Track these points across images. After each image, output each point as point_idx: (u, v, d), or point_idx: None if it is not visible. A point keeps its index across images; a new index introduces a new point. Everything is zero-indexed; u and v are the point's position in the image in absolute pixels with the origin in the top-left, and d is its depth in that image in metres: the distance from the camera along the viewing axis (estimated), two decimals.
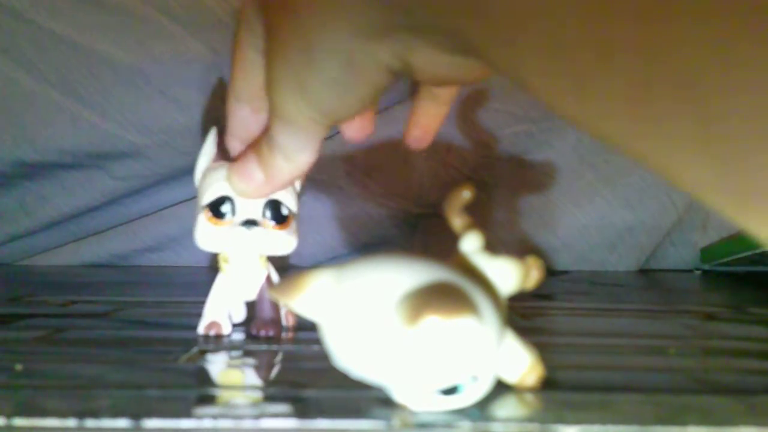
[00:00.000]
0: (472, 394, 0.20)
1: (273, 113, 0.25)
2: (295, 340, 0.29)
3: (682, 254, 0.58)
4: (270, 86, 0.24)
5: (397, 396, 0.20)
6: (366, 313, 0.19)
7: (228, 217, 0.28)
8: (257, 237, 0.28)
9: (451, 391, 0.20)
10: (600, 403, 0.21)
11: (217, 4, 0.49)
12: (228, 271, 0.30)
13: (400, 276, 0.19)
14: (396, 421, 0.19)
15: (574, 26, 0.15)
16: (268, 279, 0.30)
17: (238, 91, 0.29)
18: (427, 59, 0.22)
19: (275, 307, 0.30)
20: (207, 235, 0.28)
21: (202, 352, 0.27)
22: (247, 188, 0.28)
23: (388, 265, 0.20)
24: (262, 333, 0.29)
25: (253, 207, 0.28)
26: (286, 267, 0.54)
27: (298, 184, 0.31)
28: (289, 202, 0.29)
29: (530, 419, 0.19)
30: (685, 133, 0.14)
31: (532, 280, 0.23)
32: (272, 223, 0.29)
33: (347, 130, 0.30)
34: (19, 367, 0.24)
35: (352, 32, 0.22)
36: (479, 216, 0.23)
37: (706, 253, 0.57)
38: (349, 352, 0.20)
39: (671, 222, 0.56)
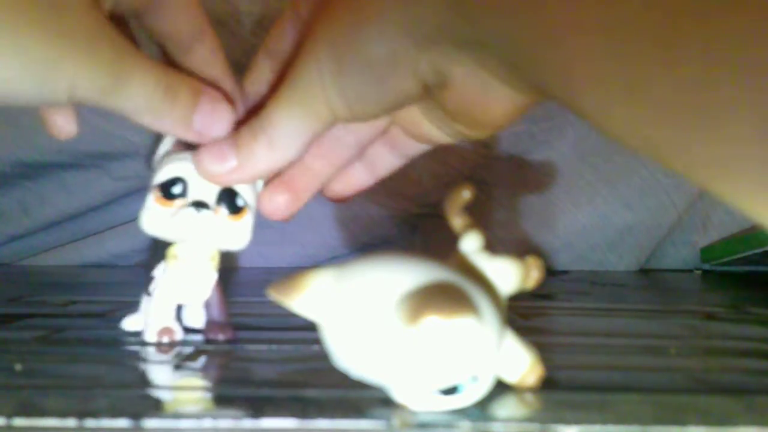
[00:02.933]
0: (472, 394, 0.20)
1: (287, 87, 0.24)
2: (295, 341, 0.29)
3: (682, 254, 0.58)
4: (303, 52, 0.23)
5: (397, 396, 0.20)
6: (366, 313, 0.19)
7: (178, 199, 0.27)
8: (206, 222, 0.27)
9: (451, 391, 0.20)
10: (600, 403, 0.21)
11: (217, 5, 0.49)
12: (176, 269, 0.28)
13: (400, 276, 0.19)
14: (396, 421, 0.19)
15: (632, 20, 0.14)
16: (219, 282, 0.29)
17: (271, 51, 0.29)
18: (467, 74, 0.22)
19: (226, 310, 0.29)
20: (153, 216, 0.27)
21: (201, 352, 0.27)
22: (215, 170, 0.26)
23: (388, 265, 0.20)
24: (221, 336, 0.28)
25: (206, 192, 0.27)
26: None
27: (260, 185, 0.29)
28: (247, 195, 0.28)
29: (530, 419, 0.19)
30: (745, 131, 0.13)
31: (532, 280, 0.23)
32: (225, 212, 0.27)
33: (266, 202, 0.28)
34: (19, 367, 0.24)
35: (403, 30, 0.21)
36: (479, 216, 0.23)
37: (706, 253, 0.57)
38: (349, 352, 0.20)
39: (671, 222, 0.56)
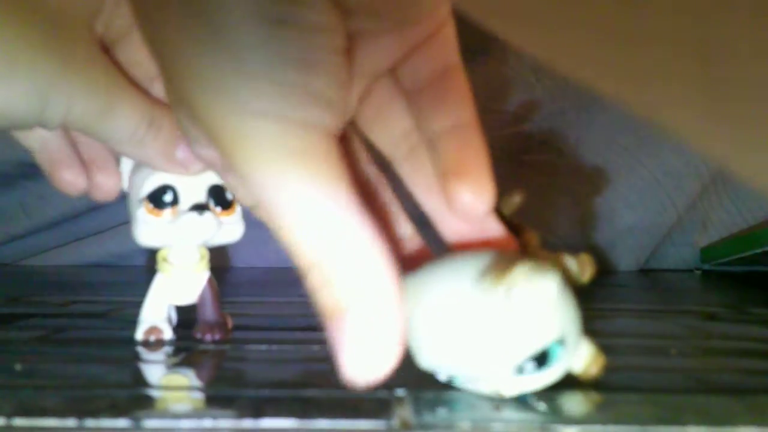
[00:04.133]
0: (561, 362, 0.20)
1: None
2: (295, 341, 0.29)
3: (682, 254, 0.58)
4: None
5: (492, 383, 0.20)
6: (445, 302, 0.19)
7: (170, 207, 0.27)
8: (208, 224, 0.27)
9: (542, 360, 0.20)
10: (600, 403, 0.21)
11: None
12: (168, 270, 0.28)
13: (469, 261, 0.20)
14: (396, 421, 0.19)
15: None
16: (210, 281, 0.29)
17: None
18: None
19: (219, 309, 0.29)
20: (149, 228, 0.27)
21: (202, 352, 0.27)
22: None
23: (451, 260, 0.20)
24: (208, 337, 0.28)
25: (197, 193, 0.27)
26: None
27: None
28: None
29: (530, 419, 0.19)
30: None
31: (588, 274, 0.23)
32: (218, 209, 0.28)
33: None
34: (19, 367, 0.24)
35: None
36: None
37: (706, 253, 0.57)
38: (438, 346, 0.20)
39: (671, 222, 0.56)
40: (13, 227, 0.54)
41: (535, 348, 0.19)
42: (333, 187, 0.18)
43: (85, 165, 0.29)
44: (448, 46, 0.22)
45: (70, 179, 0.28)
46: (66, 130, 0.29)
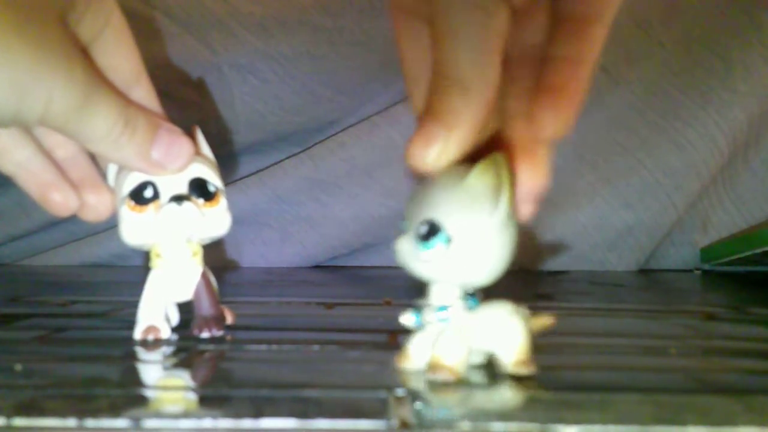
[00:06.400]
0: (442, 250, 0.22)
1: (438, 15, 0.22)
2: (295, 341, 0.29)
3: (682, 254, 0.58)
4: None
5: (408, 248, 0.23)
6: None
7: (152, 203, 0.27)
8: (188, 214, 0.27)
9: (430, 233, 0.22)
10: (600, 403, 0.21)
11: (217, 5, 0.49)
12: (161, 266, 0.28)
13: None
14: (396, 421, 0.19)
15: None
16: (204, 275, 0.29)
17: (414, 77, 0.26)
18: None
19: (216, 304, 0.29)
20: (133, 225, 0.27)
21: (202, 352, 0.27)
22: (430, 154, 0.22)
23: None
24: (205, 333, 0.28)
25: (176, 187, 0.27)
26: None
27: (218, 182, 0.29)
28: (215, 180, 0.28)
29: (530, 419, 0.19)
30: None
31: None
32: (200, 201, 0.27)
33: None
34: (19, 367, 0.24)
35: None
36: None
37: (706, 253, 0.57)
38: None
39: (671, 222, 0.56)
40: (13, 227, 0.54)
41: (430, 215, 0.22)
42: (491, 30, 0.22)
43: (74, 186, 0.29)
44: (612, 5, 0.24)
45: (59, 200, 0.29)
46: (48, 147, 0.29)
